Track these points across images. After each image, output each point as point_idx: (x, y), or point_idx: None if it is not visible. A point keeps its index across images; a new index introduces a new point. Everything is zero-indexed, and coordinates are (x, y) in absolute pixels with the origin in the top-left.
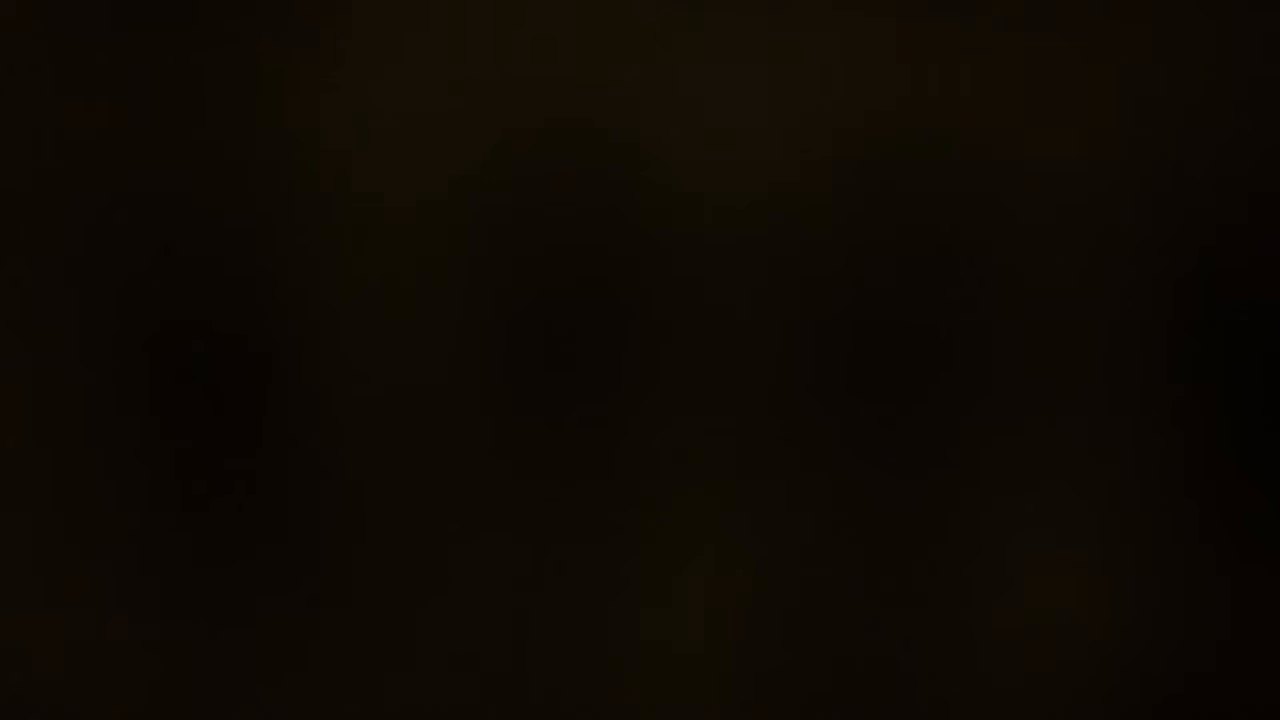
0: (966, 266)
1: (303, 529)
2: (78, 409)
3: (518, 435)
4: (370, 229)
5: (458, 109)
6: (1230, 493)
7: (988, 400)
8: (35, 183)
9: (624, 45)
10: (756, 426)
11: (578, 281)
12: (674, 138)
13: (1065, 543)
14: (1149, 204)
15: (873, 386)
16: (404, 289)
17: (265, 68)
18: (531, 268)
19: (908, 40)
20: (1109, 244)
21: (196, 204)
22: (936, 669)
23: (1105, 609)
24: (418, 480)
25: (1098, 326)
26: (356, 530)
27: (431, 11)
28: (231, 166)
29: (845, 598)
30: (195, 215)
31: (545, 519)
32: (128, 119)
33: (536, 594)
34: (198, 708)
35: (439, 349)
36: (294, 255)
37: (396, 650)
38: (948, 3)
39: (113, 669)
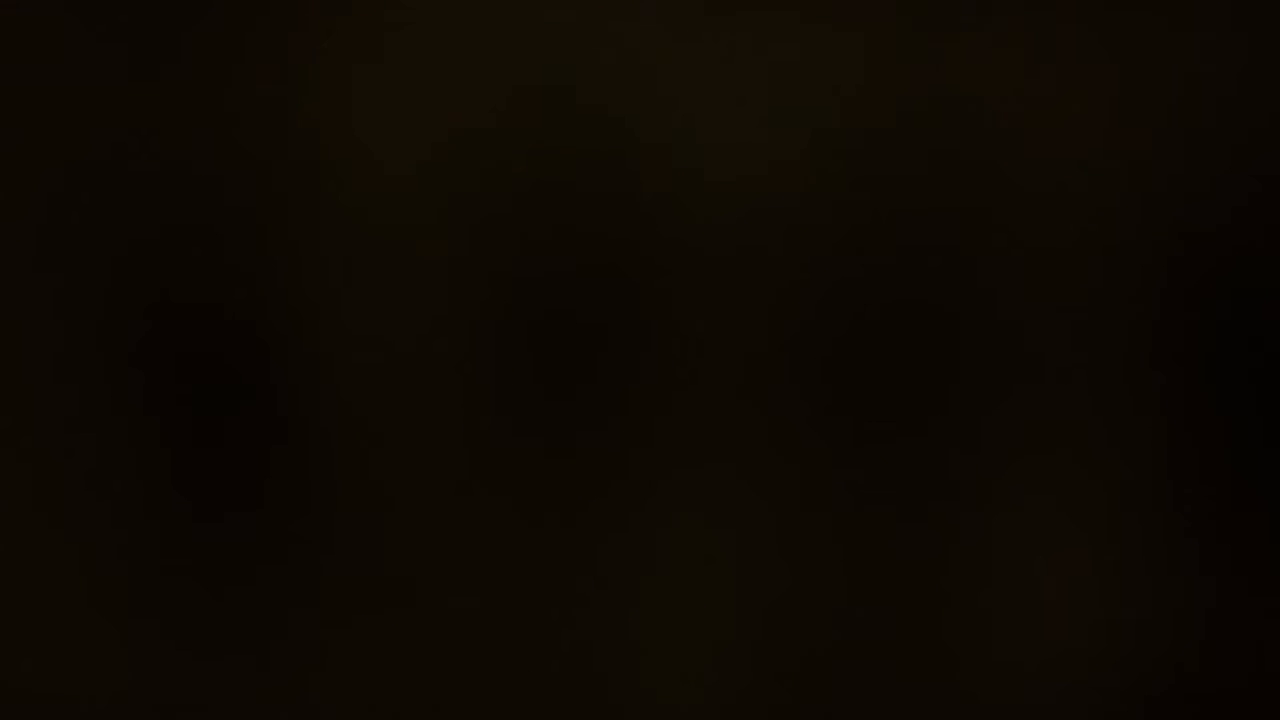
0: (965, 265)
1: (301, 526)
2: (76, 407)
3: (515, 429)
4: (368, 216)
5: (455, 101)
6: (1229, 492)
7: (987, 397)
8: (36, 176)
9: (624, 37)
10: (753, 417)
11: (577, 275)
12: (674, 132)
13: (1063, 541)
14: (1148, 204)
15: (870, 383)
16: (399, 277)
17: (264, 51)
18: (528, 262)
19: (910, 38)
20: (1108, 244)
21: (195, 200)
22: (934, 666)
23: (1103, 607)
24: (415, 471)
25: (1097, 326)
26: (356, 525)
27: (432, 2)
28: (229, 159)
29: (842, 593)
30: (195, 213)
31: (541, 511)
32: (127, 113)
33: (530, 588)
34: (195, 703)
35: (435, 337)
36: (292, 249)
37: (396, 649)
38: (952, 1)
39: (113, 669)
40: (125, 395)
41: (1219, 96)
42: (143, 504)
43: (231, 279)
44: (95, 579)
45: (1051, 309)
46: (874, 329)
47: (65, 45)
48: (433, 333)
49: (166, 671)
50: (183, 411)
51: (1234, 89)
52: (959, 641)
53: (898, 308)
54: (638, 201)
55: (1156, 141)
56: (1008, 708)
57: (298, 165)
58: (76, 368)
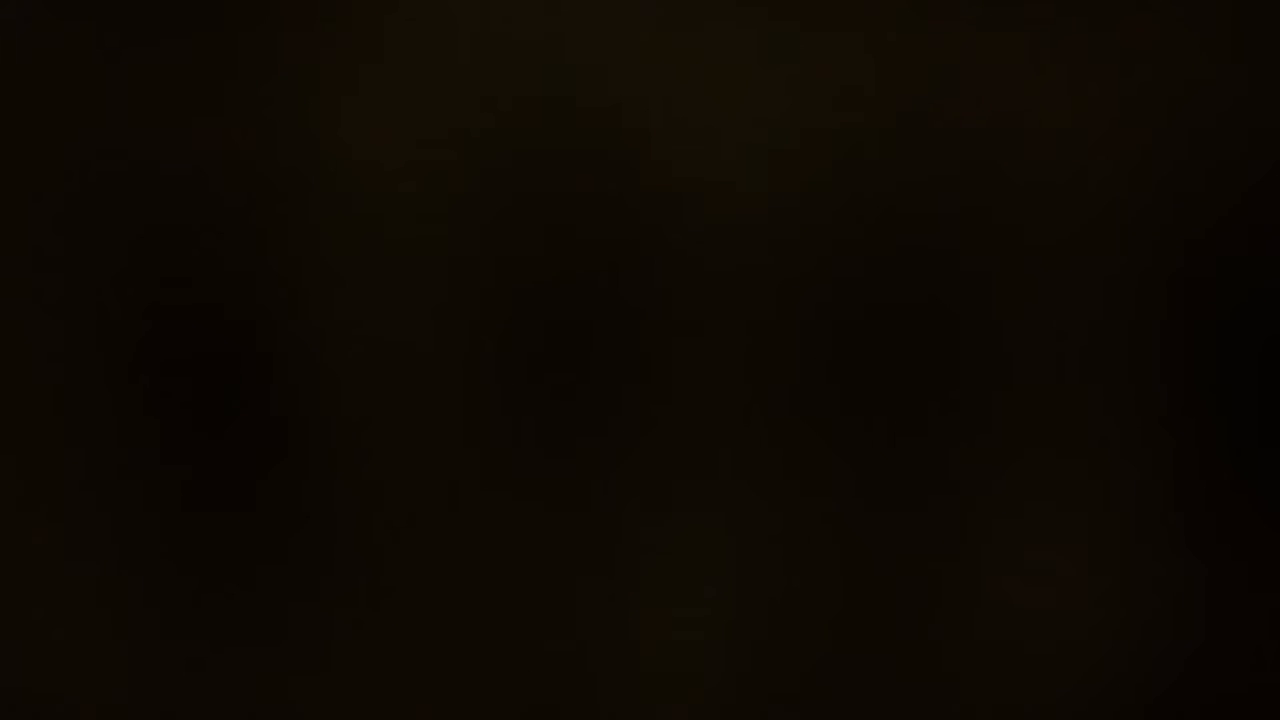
0: (963, 265)
1: (301, 526)
2: (76, 407)
3: (514, 429)
4: (368, 216)
5: (456, 102)
6: (1229, 492)
7: (987, 397)
8: (36, 177)
9: (624, 38)
10: (753, 417)
11: (577, 275)
12: (674, 134)
13: (1063, 540)
14: (1148, 204)
15: (870, 382)
16: (398, 278)
17: (265, 51)
18: (528, 263)
19: (910, 38)
20: (1108, 244)
21: (195, 200)
22: (933, 666)
23: (1103, 607)
24: (414, 471)
25: (1097, 326)
26: (357, 525)
27: (431, 4)
28: (229, 159)
29: (841, 592)
30: (195, 213)
31: (541, 511)
32: (127, 113)
33: (530, 587)
34: (196, 703)
35: (435, 338)
36: (292, 249)
37: (397, 648)
38: (951, 1)
39: (113, 670)
40: (125, 395)
41: (1219, 96)
42: (143, 504)
43: (231, 279)
44: (95, 579)
45: (1052, 309)
46: (874, 329)
47: (65, 45)
48: (432, 333)
49: (167, 672)
50: (183, 412)
51: (1234, 89)
52: (958, 641)
53: (898, 308)
54: (637, 202)
55: (1156, 141)
56: (1007, 708)
57: (298, 165)
58: (76, 368)
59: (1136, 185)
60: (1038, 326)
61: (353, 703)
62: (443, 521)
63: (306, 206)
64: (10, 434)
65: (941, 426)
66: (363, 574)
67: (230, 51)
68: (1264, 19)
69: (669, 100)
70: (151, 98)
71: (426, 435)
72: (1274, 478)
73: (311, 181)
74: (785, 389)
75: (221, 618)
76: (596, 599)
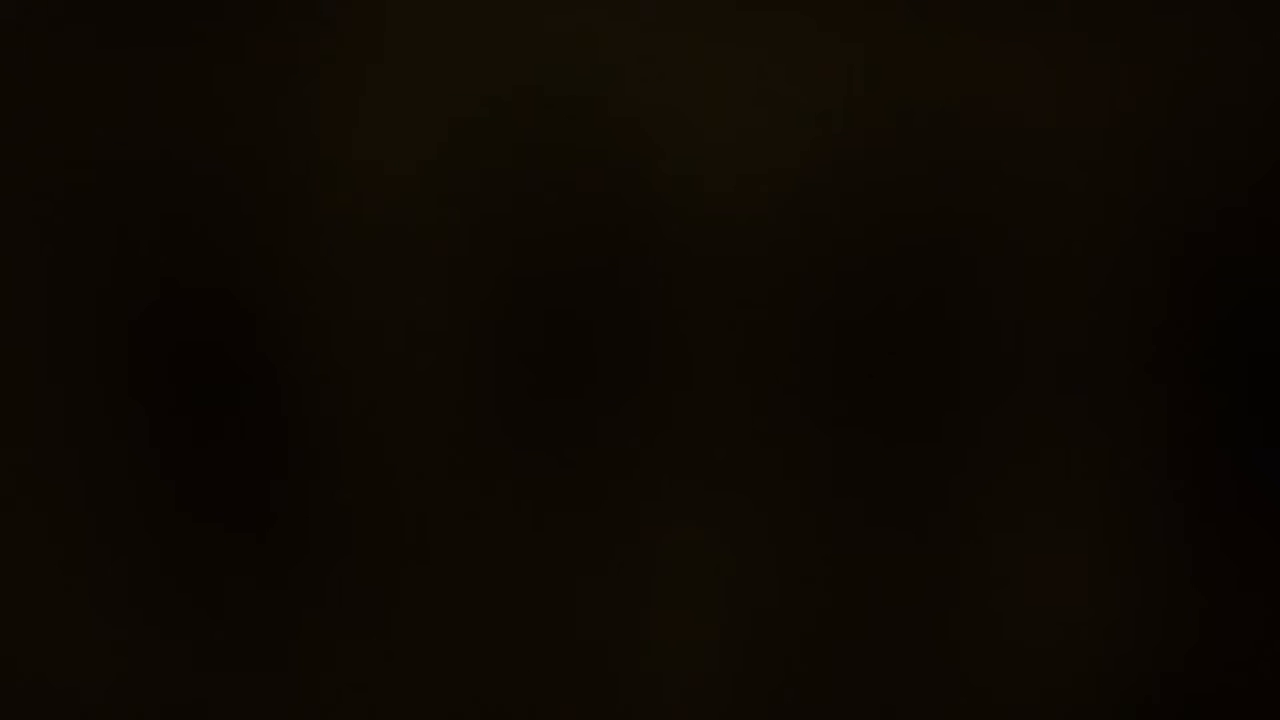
0: (965, 266)
1: (302, 527)
2: (77, 406)
3: (515, 429)
4: (369, 216)
5: (456, 101)
6: (1228, 492)
7: (987, 398)
8: (37, 177)
9: (625, 38)
10: (752, 417)
11: (577, 275)
12: (675, 133)
13: (1062, 541)
14: (1149, 204)
15: (870, 384)
16: (399, 278)
17: (265, 50)
18: (529, 262)
19: (910, 38)
20: (1109, 244)
21: (195, 200)
22: (932, 666)
23: (1102, 607)
24: (415, 471)
25: (1097, 326)
26: (357, 526)
27: (431, 4)
28: (229, 159)
29: (839, 593)
30: (194, 213)
31: (542, 511)
32: (128, 112)
33: (531, 587)
34: (198, 705)
35: (435, 338)
36: (292, 249)
37: (399, 649)
38: (951, 2)
39: (112, 671)
40: (125, 394)
41: (1219, 96)
42: (142, 504)
43: (233, 279)
44: (94, 580)
45: (1051, 309)
46: (874, 330)
47: (67, 44)
48: (432, 333)
49: (164, 672)
50: (183, 413)
51: (1234, 89)
52: (957, 642)
53: (898, 309)
54: (638, 202)
55: (1156, 141)
56: (1008, 707)
57: (299, 165)
58: (76, 367)
59: (1136, 185)
60: (1038, 326)
61: (354, 702)
62: (441, 519)
63: (308, 206)
64: (10, 434)
65: (941, 425)
66: (364, 573)
67: (231, 52)
68: (1264, 19)
69: (669, 98)
70: (153, 98)
71: (426, 432)
72: (1274, 478)
73: (312, 181)
74: (785, 387)
75: (221, 618)
76: (596, 598)
